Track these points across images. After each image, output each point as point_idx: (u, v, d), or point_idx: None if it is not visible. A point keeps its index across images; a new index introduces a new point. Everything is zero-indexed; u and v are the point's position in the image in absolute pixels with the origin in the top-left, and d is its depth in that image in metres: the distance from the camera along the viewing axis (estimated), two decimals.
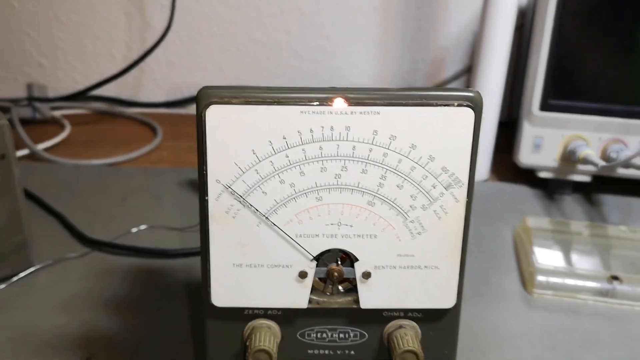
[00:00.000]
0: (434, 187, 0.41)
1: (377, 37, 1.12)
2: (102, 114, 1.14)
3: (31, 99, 1.08)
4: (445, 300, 0.44)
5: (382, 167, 0.41)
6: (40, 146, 0.97)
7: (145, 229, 0.78)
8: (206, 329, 0.46)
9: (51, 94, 1.13)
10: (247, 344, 0.44)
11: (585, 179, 0.87)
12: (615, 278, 0.66)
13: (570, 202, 0.87)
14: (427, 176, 0.41)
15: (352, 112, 0.40)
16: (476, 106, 0.40)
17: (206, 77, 1.15)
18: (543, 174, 0.88)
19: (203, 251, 0.43)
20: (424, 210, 0.42)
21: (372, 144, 0.41)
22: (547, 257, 0.70)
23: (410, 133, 0.40)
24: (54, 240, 0.76)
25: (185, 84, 1.16)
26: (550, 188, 0.89)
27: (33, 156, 0.95)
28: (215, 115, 0.40)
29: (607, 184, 0.89)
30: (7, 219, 0.66)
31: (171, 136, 1.06)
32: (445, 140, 0.41)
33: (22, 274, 0.69)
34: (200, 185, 0.42)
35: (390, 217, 0.42)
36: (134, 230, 0.77)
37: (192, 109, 1.17)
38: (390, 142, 0.41)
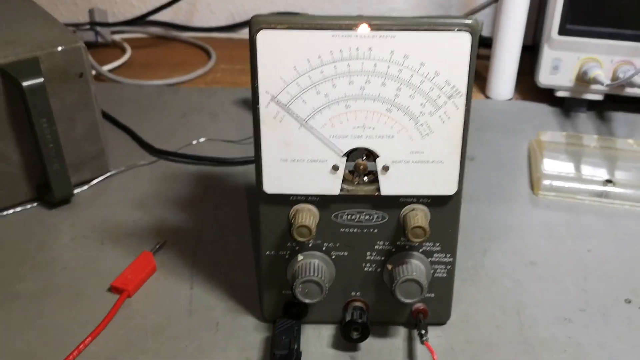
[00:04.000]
0: (439, 97, 0.50)
1: None
2: (159, 38, 1.22)
3: (93, 24, 1.16)
4: (448, 188, 0.54)
5: (398, 81, 0.50)
6: (105, 68, 1.07)
7: (204, 141, 0.88)
8: (260, 212, 0.56)
9: (110, 18, 1.21)
10: (292, 222, 0.54)
11: (598, 97, 0.95)
12: (609, 181, 0.75)
13: (584, 119, 0.95)
14: (433, 88, 0.50)
15: (373, 36, 0.49)
16: (473, 31, 0.49)
17: (256, 3, 1.23)
18: (560, 93, 0.96)
19: (256, 149, 0.53)
20: (431, 115, 0.51)
21: (390, 62, 0.50)
22: (554, 165, 0.80)
23: (419, 53, 0.49)
24: (125, 150, 0.87)
25: (236, 10, 1.23)
26: (567, 106, 0.97)
27: (98, 77, 1.04)
28: (264, 39, 0.49)
29: (618, 102, 0.97)
30: (87, 130, 0.77)
31: (224, 59, 1.14)
32: (448, 59, 0.50)
33: (100, 178, 0.80)
34: (252, 96, 0.51)
35: (404, 121, 0.51)
36: (194, 142, 0.88)
37: (243, 34, 1.25)
38: (404, 61, 0.50)
